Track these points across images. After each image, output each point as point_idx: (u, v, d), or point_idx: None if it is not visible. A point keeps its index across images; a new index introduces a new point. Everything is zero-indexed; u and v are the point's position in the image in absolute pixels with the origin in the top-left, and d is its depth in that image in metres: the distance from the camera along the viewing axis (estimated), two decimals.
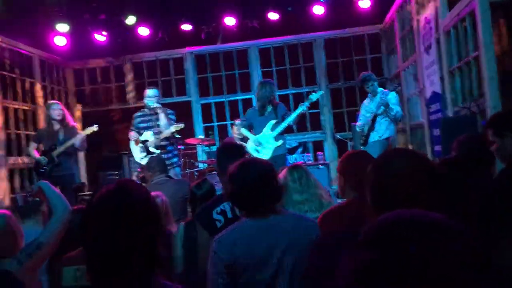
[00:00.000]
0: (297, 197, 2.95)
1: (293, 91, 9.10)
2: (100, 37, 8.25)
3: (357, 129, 6.31)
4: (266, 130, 5.74)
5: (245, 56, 9.22)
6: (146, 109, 6.04)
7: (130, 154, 7.79)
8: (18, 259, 2.04)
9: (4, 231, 2.19)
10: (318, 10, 8.02)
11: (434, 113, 5.86)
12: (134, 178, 7.45)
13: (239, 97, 9.25)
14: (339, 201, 3.13)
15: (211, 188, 3.48)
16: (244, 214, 2.22)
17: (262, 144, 5.76)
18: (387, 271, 0.72)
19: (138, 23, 8.15)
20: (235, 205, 2.27)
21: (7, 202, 6.72)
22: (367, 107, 6.18)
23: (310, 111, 6.01)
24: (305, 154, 8.63)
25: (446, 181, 1.55)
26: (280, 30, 8.65)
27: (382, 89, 6.06)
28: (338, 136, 8.67)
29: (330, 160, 8.43)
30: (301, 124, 7.03)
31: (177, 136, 6.00)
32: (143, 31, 8.31)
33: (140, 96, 8.92)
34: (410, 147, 7.50)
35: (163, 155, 5.61)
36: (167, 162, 5.45)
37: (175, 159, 6.02)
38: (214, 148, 8.66)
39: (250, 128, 5.96)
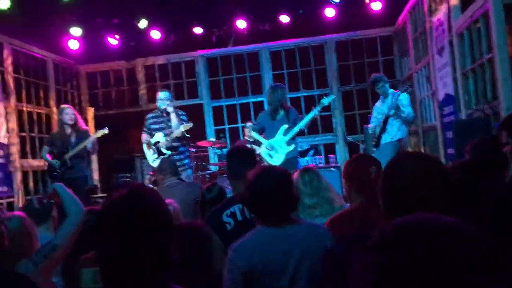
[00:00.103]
0: (307, 201, 2.94)
1: (305, 94, 9.09)
2: (113, 40, 8.33)
3: (369, 131, 6.28)
4: (279, 135, 5.78)
5: (256, 59, 9.24)
6: (158, 111, 6.08)
7: (142, 156, 7.85)
8: (33, 261, 2.06)
9: (20, 232, 2.22)
10: (330, 12, 8.01)
11: (447, 115, 5.82)
12: (146, 181, 7.49)
13: (250, 99, 9.26)
14: (348, 205, 3.12)
15: (221, 191, 3.48)
16: (260, 222, 2.21)
17: (275, 149, 5.81)
18: (395, 273, 0.72)
19: (150, 26, 8.21)
20: (251, 212, 2.27)
21: (21, 204, 6.80)
22: (378, 109, 6.15)
23: (322, 113, 6.01)
24: (317, 156, 8.61)
25: (458, 184, 1.54)
26: (291, 32, 8.65)
27: (393, 90, 6.03)
28: (349, 138, 8.64)
29: (342, 163, 8.40)
30: (312, 127, 7.03)
31: (187, 135, 6.01)
32: (155, 34, 8.36)
33: (152, 99, 8.99)
34: (423, 149, 7.45)
35: (175, 157, 5.65)
36: (179, 164, 5.48)
37: (187, 161, 6.05)
38: (225, 151, 8.68)
39: (261, 132, 5.99)
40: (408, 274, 0.71)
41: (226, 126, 9.31)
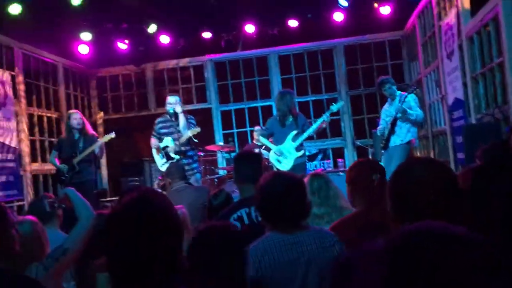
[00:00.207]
0: (315, 210, 2.91)
1: (313, 98, 9.08)
2: (122, 45, 8.39)
3: (378, 133, 6.25)
4: (288, 140, 5.81)
5: (265, 63, 9.25)
6: (167, 115, 6.11)
7: (151, 160, 7.89)
8: (44, 265, 2.07)
9: (31, 237, 2.23)
10: (338, 16, 8.00)
11: (457, 120, 5.78)
12: (155, 186, 7.52)
13: (259, 104, 9.27)
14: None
15: (228, 197, 3.49)
16: (270, 228, 2.21)
17: (283, 154, 5.85)
18: (402, 279, 0.72)
19: (159, 31, 8.26)
20: (262, 216, 2.26)
21: None
22: (386, 111, 6.11)
23: (330, 118, 6.01)
24: (325, 161, 8.60)
25: (469, 189, 1.53)
26: (299, 37, 8.66)
27: (400, 92, 5.98)
28: (358, 143, 8.61)
29: None
30: (321, 131, 7.01)
31: (195, 140, 6.03)
32: (164, 39, 8.41)
33: (161, 103, 9.04)
34: (432, 154, 7.41)
35: (183, 161, 5.67)
36: (187, 168, 5.51)
37: (195, 165, 6.07)
38: (234, 155, 8.69)
39: (269, 137, 6.04)
40: (415, 280, 0.71)
41: (235, 130, 9.33)
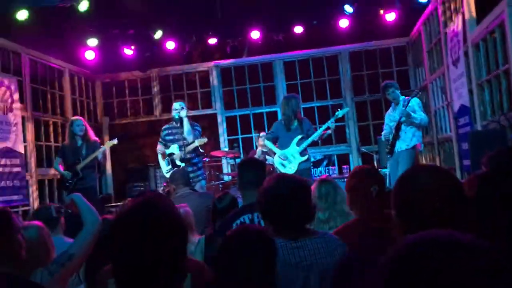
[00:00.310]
0: (321, 215, 2.91)
1: (318, 104, 9.08)
2: (128, 51, 8.43)
3: (382, 138, 6.23)
4: (292, 145, 5.84)
5: (270, 69, 9.27)
6: (173, 122, 6.14)
7: (156, 166, 7.90)
8: (49, 270, 2.07)
9: (38, 242, 2.24)
10: (343, 23, 8.02)
11: (463, 126, 5.76)
12: (160, 192, 7.53)
13: (264, 109, 9.28)
14: None
15: (233, 201, 3.48)
16: (273, 231, 2.19)
17: (288, 159, 5.88)
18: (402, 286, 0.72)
19: (165, 37, 8.30)
20: (265, 220, 2.24)
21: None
22: (390, 116, 6.09)
23: (335, 124, 6.03)
24: (330, 167, 8.59)
25: (475, 196, 1.53)
26: (305, 43, 8.68)
27: (404, 97, 5.96)
28: (363, 149, 8.59)
29: None
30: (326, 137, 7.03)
31: (201, 150, 6.07)
32: (170, 45, 8.45)
33: (166, 108, 9.07)
34: (438, 160, 7.38)
35: (188, 168, 5.68)
36: (192, 175, 5.52)
37: (200, 172, 6.08)
38: (238, 161, 8.69)
39: (274, 141, 6.03)
40: (418, 286, 0.71)
41: (240, 136, 9.34)
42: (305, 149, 5.87)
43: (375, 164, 7.82)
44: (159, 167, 6.61)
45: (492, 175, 2.05)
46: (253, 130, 9.21)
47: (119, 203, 7.60)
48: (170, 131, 6.15)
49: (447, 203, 1.46)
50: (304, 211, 2.14)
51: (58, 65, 8.26)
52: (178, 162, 5.92)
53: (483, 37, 5.30)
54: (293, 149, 5.86)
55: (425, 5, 7.33)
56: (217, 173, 8.39)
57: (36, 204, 7.08)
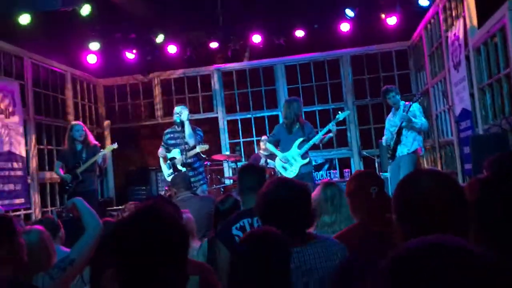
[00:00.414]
0: (326, 218, 2.90)
1: (319, 108, 9.09)
2: (130, 55, 8.46)
3: (383, 143, 6.25)
4: (294, 148, 5.85)
5: (271, 73, 9.28)
6: (175, 126, 6.16)
7: (157, 170, 7.91)
8: (51, 275, 2.07)
9: (39, 246, 2.24)
10: (345, 27, 8.03)
11: (464, 130, 5.76)
12: None
13: (265, 113, 9.29)
14: None
15: (235, 203, 3.48)
16: None
17: (289, 161, 5.91)
18: None
19: (167, 41, 8.32)
20: (264, 225, 2.24)
21: (39, 216, 6.88)
22: (391, 121, 6.11)
23: (337, 127, 6.05)
24: (332, 170, 8.58)
25: (474, 201, 1.53)
26: (306, 47, 8.69)
27: (404, 102, 5.99)
28: (364, 153, 8.59)
29: None
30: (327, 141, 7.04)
31: (203, 156, 6.09)
32: (172, 49, 8.47)
33: (168, 112, 9.08)
34: (439, 164, 7.38)
35: (189, 173, 5.70)
36: (193, 180, 5.54)
37: (201, 176, 6.10)
38: (240, 164, 8.69)
39: (276, 144, 6.06)
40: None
41: (241, 140, 9.34)
42: (306, 152, 5.91)
43: (376, 168, 7.81)
44: (161, 171, 6.62)
45: (494, 179, 2.05)
46: (254, 134, 9.21)
47: (120, 207, 7.60)
48: (172, 135, 6.18)
49: (448, 207, 1.46)
50: (303, 216, 2.13)
51: (60, 69, 8.28)
52: (179, 167, 5.94)
53: (484, 41, 5.31)
54: (294, 152, 5.88)
55: (426, 9, 7.34)
56: (219, 177, 8.39)
57: (38, 208, 7.09)
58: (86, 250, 2.18)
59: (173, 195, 4.58)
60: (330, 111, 8.93)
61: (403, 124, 5.75)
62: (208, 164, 7.90)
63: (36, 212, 7.01)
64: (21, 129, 6.79)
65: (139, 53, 8.55)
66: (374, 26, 8.04)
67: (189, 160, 5.94)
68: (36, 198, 7.13)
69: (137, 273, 1.47)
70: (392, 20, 7.76)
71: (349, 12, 7.80)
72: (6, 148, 6.42)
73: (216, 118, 9.35)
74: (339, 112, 6.23)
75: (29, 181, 6.97)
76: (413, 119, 5.70)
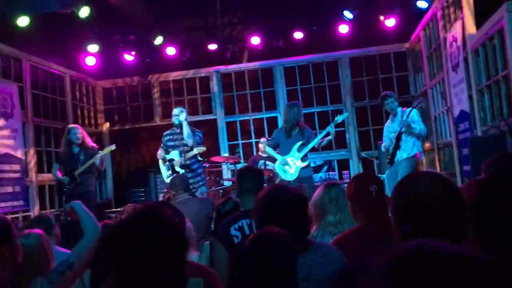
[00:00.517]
0: (331, 218, 2.90)
1: (318, 110, 9.09)
2: (129, 56, 8.46)
3: (383, 149, 6.29)
4: (293, 151, 5.90)
5: (270, 75, 9.29)
6: (174, 128, 6.18)
7: (156, 172, 7.90)
8: (49, 279, 2.06)
9: (38, 250, 2.24)
10: (343, 29, 8.05)
11: (463, 132, 5.77)
12: (160, 198, 7.53)
13: (264, 115, 9.29)
14: None
15: (236, 205, 3.49)
16: None
17: (289, 164, 5.92)
18: None
19: (166, 43, 8.33)
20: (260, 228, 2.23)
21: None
22: (390, 128, 6.17)
23: (336, 129, 6.08)
24: (331, 172, 8.58)
25: (472, 202, 1.53)
26: (305, 48, 8.70)
27: (401, 108, 6.06)
28: (363, 154, 8.59)
29: None
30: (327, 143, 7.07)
31: (200, 158, 6.10)
32: (170, 50, 8.48)
33: (166, 114, 9.08)
34: (438, 166, 7.38)
35: (188, 174, 5.71)
36: (192, 181, 5.55)
37: (199, 178, 6.11)
38: (239, 166, 8.69)
39: (275, 147, 6.10)
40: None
41: (240, 142, 9.34)
42: (305, 155, 5.94)
43: (375, 170, 7.82)
44: (159, 173, 6.62)
45: (492, 180, 2.05)
46: (253, 136, 9.21)
47: (119, 209, 7.60)
48: (171, 137, 6.20)
49: (447, 209, 1.47)
50: (301, 222, 2.13)
51: (59, 71, 8.28)
52: (177, 168, 5.95)
53: (483, 43, 5.32)
54: (294, 155, 5.91)
55: (424, 11, 7.36)
56: (217, 179, 8.38)
57: (36, 210, 7.08)
58: (85, 253, 2.17)
59: (171, 197, 4.57)
60: (329, 112, 8.94)
61: (403, 129, 5.81)
62: (207, 165, 7.90)
63: (34, 214, 6.99)
64: (19, 131, 6.79)
65: (138, 55, 8.56)
66: (373, 28, 8.06)
67: (188, 162, 5.96)
68: (34, 200, 7.12)
69: (136, 275, 1.47)
70: (390, 22, 7.78)
71: (348, 14, 7.82)
72: (4, 150, 6.41)
73: (215, 120, 9.35)
74: (338, 115, 6.26)
75: (27, 183, 6.97)
76: (412, 124, 5.75)
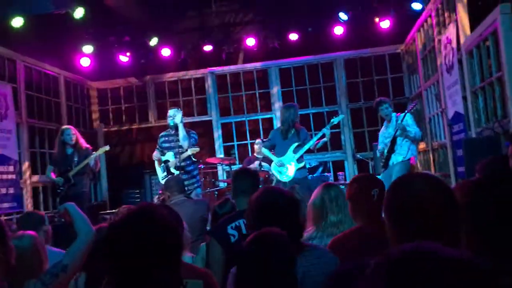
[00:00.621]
0: (333, 218, 2.90)
1: (313, 111, 9.10)
2: (124, 58, 8.44)
3: (377, 153, 6.35)
4: (289, 152, 5.92)
5: (265, 76, 9.29)
6: (170, 129, 6.17)
7: (151, 173, 7.88)
8: (42, 281, 2.04)
9: (31, 251, 2.22)
10: (338, 30, 8.07)
11: (457, 133, 5.79)
12: (155, 200, 7.52)
13: (259, 116, 9.29)
14: None
15: (233, 207, 3.49)
16: None
17: (284, 165, 5.96)
18: None
19: (161, 44, 8.32)
20: (253, 230, 2.21)
21: None
22: (385, 133, 6.23)
23: (331, 131, 6.10)
24: (326, 173, 8.58)
25: (466, 203, 1.53)
26: (300, 50, 8.72)
27: (395, 114, 6.12)
28: (358, 156, 8.61)
29: None
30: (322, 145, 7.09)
31: (194, 159, 6.09)
32: (165, 52, 8.47)
33: (161, 115, 9.07)
34: (432, 167, 7.41)
35: (183, 176, 5.70)
36: (187, 183, 5.54)
37: (194, 180, 6.10)
38: (234, 167, 8.68)
39: (271, 148, 6.13)
40: None
41: (235, 143, 9.33)
42: (301, 156, 5.96)
43: (370, 171, 7.83)
44: (155, 174, 6.61)
45: (486, 182, 2.06)
46: (248, 137, 9.21)
47: (113, 210, 7.57)
48: (166, 139, 6.19)
49: (442, 210, 1.47)
50: (295, 225, 2.12)
51: (54, 72, 8.25)
52: (172, 170, 5.94)
53: (477, 45, 5.34)
54: (290, 156, 5.95)
55: (419, 13, 7.39)
56: (213, 180, 8.38)
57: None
58: (79, 255, 2.16)
59: (166, 199, 4.56)
60: (324, 114, 8.95)
61: (398, 132, 5.86)
62: (202, 167, 7.89)
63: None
64: (13, 133, 6.75)
65: (133, 56, 8.54)
66: (368, 30, 8.09)
67: (183, 164, 5.95)
68: (28, 201, 7.09)
69: (131, 275, 1.47)
70: (385, 24, 7.80)
71: (343, 16, 7.84)
72: None
73: (210, 121, 9.34)
74: (334, 116, 6.29)
75: (21, 184, 6.93)
76: (407, 127, 5.80)
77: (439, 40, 6.43)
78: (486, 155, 3.52)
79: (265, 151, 6.20)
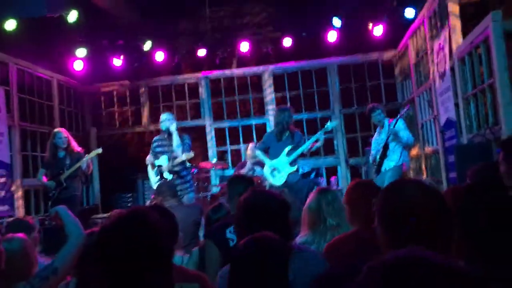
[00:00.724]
0: (331, 221, 2.91)
1: (307, 116, 9.12)
2: (117, 61, 8.42)
3: (370, 161, 6.39)
4: (282, 155, 5.92)
5: (259, 81, 9.31)
6: (163, 133, 6.16)
7: (143, 177, 7.85)
8: (32, 284, 2.03)
9: (21, 254, 2.21)
10: (332, 36, 8.11)
11: (449, 139, 5.83)
12: (147, 204, 7.49)
13: (253, 121, 9.29)
14: None
15: (227, 212, 3.48)
16: None
17: (277, 169, 5.96)
18: None
19: (154, 48, 8.32)
20: (239, 235, 2.19)
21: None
22: (378, 140, 6.27)
23: (324, 136, 6.12)
24: (319, 178, 8.59)
25: (457, 208, 1.55)
26: (294, 55, 8.75)
27: (387, 120, 6.16)
28: (351, 161, 8.63)
29: (344, 185, 8.38)
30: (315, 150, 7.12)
31: (188, 164, 6.07)
32: (159, 56, 8.46)
33: (155, 119, 9.04)
34: (424, 173, 7.45)
35: (176, 181, 5.68)
36: (180, 188, 5.52)
37: (187, 185, 6.07)
38: (227, 172, 8.68)
39: (265, 151, 6.14)
40: None
41: (229, 147, 9.33)
42: (294, 160, 5.95)
43: (363, 176, 7.85)
44: (147, 178, 6.59)
45: (477, 188, 2.08)
46: (242, 142, 9.20)
47: (105, 214, 7.54)
48: (160, 143, 6.16)
49: (435, 216, 1.48)
50: (285, 227, 2.12)
51: (46, 75, 8.21)
52: (165, 175, 5.92)
53: (469, 52, 5.39)
54: (283, 159, 5.94)
55: (412, 20, 7.44)
56: (206, 184, 8.36)
57: (22, 215, 6.98)
58: (69, 259, 2.15)
59: (159, 203, 4.54)
60: (317, 119, 8.97)
61: (390, 138, 5.89)
62: (195, 171, 7.87)
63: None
64: (5, 135, 6.71)
65: (126, 60, 8.53)
66: (361, 36, 8.13)
67: (176, 168, 5.93)
68: (20, 205, 7.03)
69: (123, 279, 1.46)
70: (378, 30, 7.85)
71: (336, 22, 7.88)
72: None
73: (204, 125, 9.34)
74: (328, 122, 6.32)
75: (13, 188, 6.88)
76: (399, 133, 5.84)
77: (432, 47, 6.49)
78: (477, 161, 3.55)
79: (259, 154, 6.21)
